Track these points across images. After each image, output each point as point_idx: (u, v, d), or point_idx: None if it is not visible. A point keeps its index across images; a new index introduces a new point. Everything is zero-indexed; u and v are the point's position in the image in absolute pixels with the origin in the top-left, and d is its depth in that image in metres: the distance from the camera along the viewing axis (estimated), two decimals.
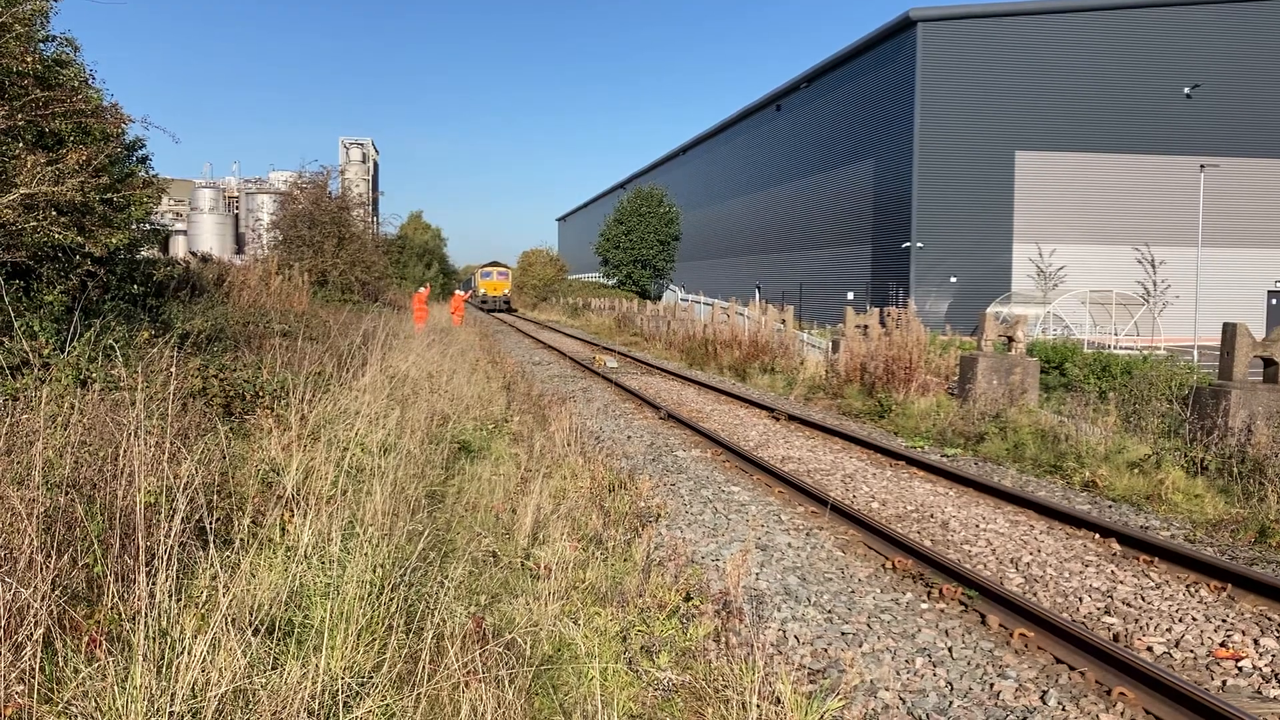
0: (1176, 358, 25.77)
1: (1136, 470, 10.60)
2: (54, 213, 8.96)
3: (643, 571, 6.48)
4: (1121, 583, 7.24)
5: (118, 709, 3.35)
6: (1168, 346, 33.19)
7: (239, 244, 58.92)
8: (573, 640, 4.96)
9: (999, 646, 5.94)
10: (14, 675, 3.39)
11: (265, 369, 10.03)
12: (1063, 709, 5.08)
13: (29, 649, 3.44)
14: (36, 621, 3.53)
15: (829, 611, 6.57)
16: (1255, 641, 6.06)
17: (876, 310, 20.16)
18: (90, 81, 11.53)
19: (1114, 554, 8.02)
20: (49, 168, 8.70)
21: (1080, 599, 6.90)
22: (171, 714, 3.36)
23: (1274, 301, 45.69)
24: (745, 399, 18.11)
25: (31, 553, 3.86)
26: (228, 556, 4.60)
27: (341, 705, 3.65)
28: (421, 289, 33.69)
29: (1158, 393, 14.83)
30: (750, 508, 9.51)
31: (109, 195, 10.75)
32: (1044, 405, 15.74)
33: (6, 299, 7.45)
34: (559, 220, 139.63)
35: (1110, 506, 9.89)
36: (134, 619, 3.64)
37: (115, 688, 3.38)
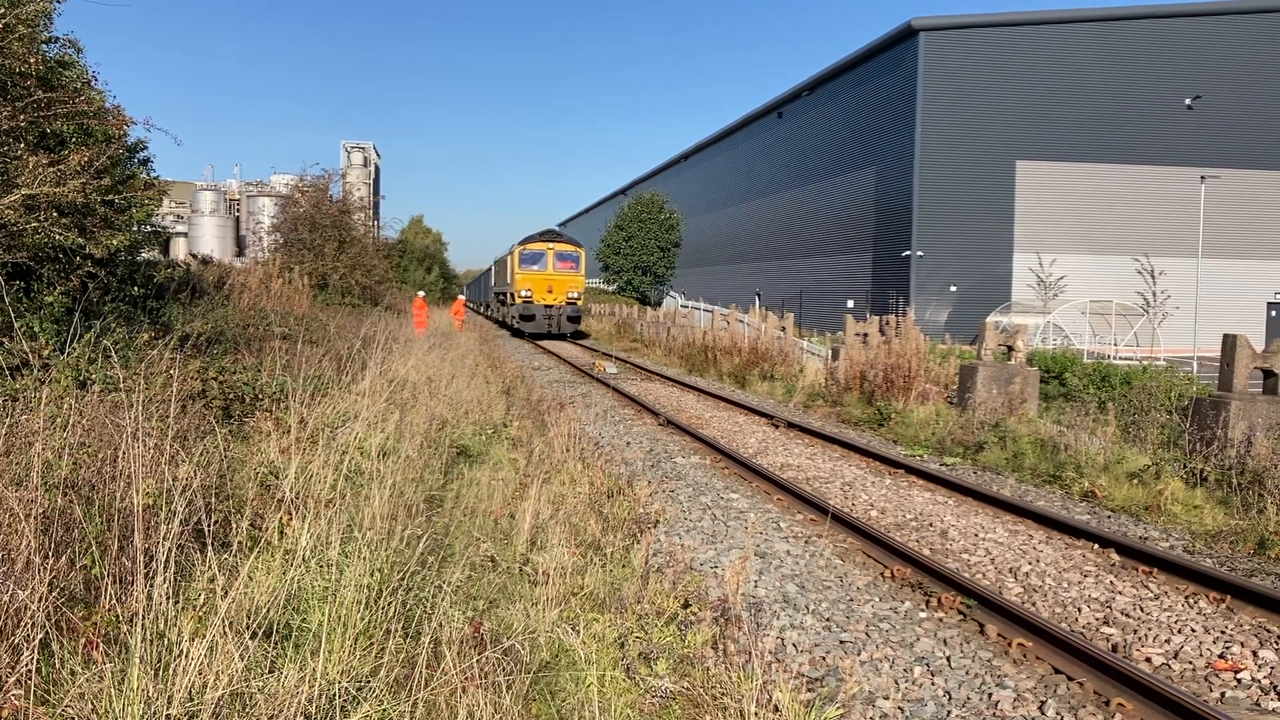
0: (1176, 368, 25.76)
1: (1136, 481, 10.59)
2: (55, 214, 8.97)
3: (641, 578, 6.46)
4: (1120, 593, 7.23)
5: (114, 712, 3.34)
6: (1167, 357, 33.19)
7: (240, 247, 58.90)
8: (571, 646, 4.94)
9: (997, 656, 5.93)
10: (11, 677, 3.38)
11: (265, 372, 10.02)
12: (1061, 719, 5.07)
13: (26, 651, 3.43)
14: (34, 623, 3.52)
15: (827, 619, 6.56)
16: (1254, 653, 6.04)
17: (876, 318, 20.17)
18: (93, 83, 11.55)
19: (1113, 564, 8.01)
20: (50, 169, 8.72)
21: (1079, 609, 6.88)
22: (168, 717, 3.35)
23: (1274, 313, 45.72)
24: (744, 406, 18.11)
25: (29, 554, 3.85)
26: (226, 559, 4.59)
27: (338, 710, 3.64)
28: (420, 293, 33.74)
29: (1157, 403, 14.83)
30: (749, 515, 9.50)
31: (110, 197, 10.76)
32: (1043, 415, 15.74)
33: (7, 299, 7.45)
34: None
35: (1109, 517, 9.88)
36: (131, 621, 3.63)
37: (112, 690, 3.37)
